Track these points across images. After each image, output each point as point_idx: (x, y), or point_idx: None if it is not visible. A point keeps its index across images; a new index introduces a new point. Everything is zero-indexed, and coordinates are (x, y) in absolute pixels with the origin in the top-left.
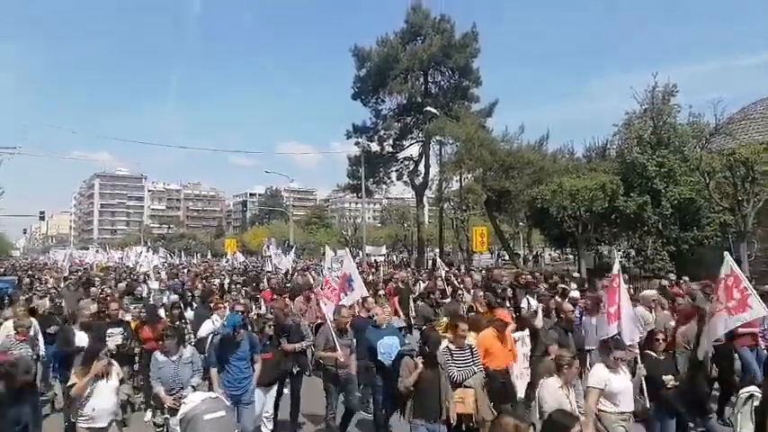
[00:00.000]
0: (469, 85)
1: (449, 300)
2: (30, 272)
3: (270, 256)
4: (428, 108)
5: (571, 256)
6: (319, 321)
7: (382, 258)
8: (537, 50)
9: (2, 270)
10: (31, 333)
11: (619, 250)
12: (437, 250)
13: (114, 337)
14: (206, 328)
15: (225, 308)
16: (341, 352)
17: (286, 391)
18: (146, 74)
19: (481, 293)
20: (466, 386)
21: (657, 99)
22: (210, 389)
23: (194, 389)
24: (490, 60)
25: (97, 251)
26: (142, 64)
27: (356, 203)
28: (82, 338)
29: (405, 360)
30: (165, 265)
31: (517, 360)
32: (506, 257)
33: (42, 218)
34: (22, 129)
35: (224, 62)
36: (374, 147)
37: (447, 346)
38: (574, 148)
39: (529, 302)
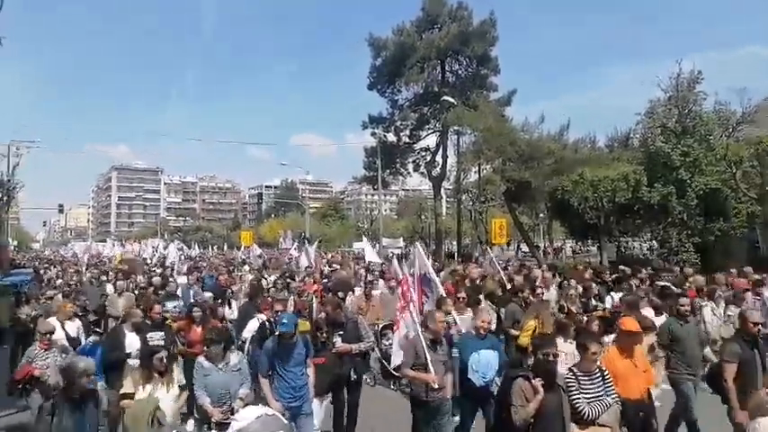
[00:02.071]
0: (488, 74)
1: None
2: (46, 264)
3: (287, 248)
4: (445, 98)
5: (593, 248)
6: (383, 323)
7: (399, 251)
8: (554, 43)
9: (22, 262)
10: (74, 334)
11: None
12: (455, 242)
13: (154, 343)
14: (251, 327)
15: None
16: (434, 374)
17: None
18: (161, 69)
19: (572, 292)
20: (600, 424)
21: (682, 86)
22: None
23: (243, 401)
24: (507, 53)
25: (114, 245)
26: (158, 60)
27: (372, 195)
28: (132, 341)
29: (518, 383)
30: (183, 257)
31: (656, 383)
32: (526, 249)
33: (61, 211)
34: (38, 123)
35: (238, 55)
36: (390, 137)
37: (572, 370)
38: (596, 138)
39: (613, 301)
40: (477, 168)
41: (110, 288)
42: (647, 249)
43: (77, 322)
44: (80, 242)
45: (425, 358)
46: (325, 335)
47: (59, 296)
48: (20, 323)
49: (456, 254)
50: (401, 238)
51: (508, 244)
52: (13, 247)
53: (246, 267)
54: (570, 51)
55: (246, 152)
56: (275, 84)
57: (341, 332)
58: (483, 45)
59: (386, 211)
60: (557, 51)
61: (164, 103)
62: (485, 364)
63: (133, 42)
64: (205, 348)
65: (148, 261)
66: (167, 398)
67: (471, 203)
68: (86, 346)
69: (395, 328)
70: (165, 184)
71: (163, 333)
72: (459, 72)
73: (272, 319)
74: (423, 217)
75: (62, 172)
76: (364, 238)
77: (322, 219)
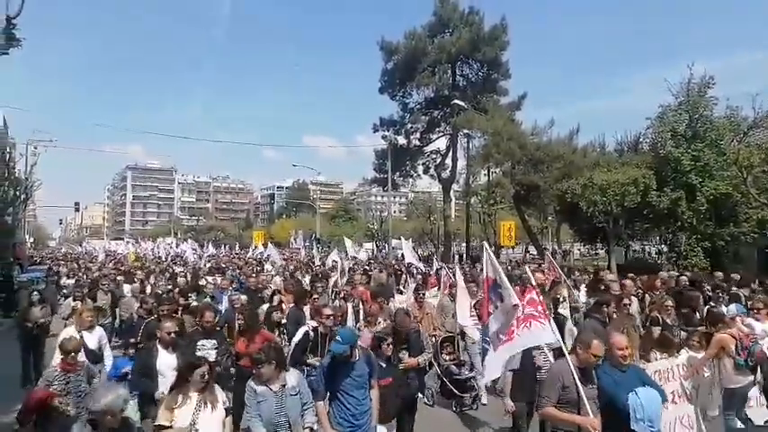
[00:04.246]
0: (498, 78)
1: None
2: (61, 261)
3: (298, 248)
4: (456, 101)
5: (601, 252)
6: (444, 334)
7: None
8: (563, 48)
9: (39, 258)
10: (94, 346)
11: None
12: (464, 244)
13: (206, 352)
14: (297, 337)
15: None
16: (592, 417)
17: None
18: (177, 70)
19: (669, 302)
20: None
21: (693, 91)
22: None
23: None
24: (518, 57)
25: (128, 242)
26: (173, 61)
27: (382, 197)
28: (166, 360)
29: None
30: (206, 257)
31: None
32: (534, 252)
33: (77, 209)
34: (55, 122)
35: (252, 57)
36: (401, 140)
37: None
38: (605, 142)
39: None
40: (486, 171)
41: (127, 289)
42: (656, 253)
43: (98, 331)
44: (95, 240)
45: (578, 393)
46: (390, 349)
47: (70, 300)
48: (27, 328)
49: (465, 255)
50: (410, 240)
51: (513, 247)
52: (29, 245)
53: (269, 267)
54: (578, 54)
55: (259, 153)
56: (286, 85)
57: (405, 345)
58: (494, 50)
59: (395, 212)
60: (567, 54)
61: (177, 104)
62: (650, 408)
63: (146, 42)
64: (254, 370)
65: (163, 259)
66: (211, 420)
67: (480, 206)
68: (118, 365)
69: (504, 340)
70: (178, 183)
71: (215, 341)
72: (470, 76)
73: (318, 328)
74: (432, 219)
75: (78, 171)
76: (402, 239)
77: (332, 219)
